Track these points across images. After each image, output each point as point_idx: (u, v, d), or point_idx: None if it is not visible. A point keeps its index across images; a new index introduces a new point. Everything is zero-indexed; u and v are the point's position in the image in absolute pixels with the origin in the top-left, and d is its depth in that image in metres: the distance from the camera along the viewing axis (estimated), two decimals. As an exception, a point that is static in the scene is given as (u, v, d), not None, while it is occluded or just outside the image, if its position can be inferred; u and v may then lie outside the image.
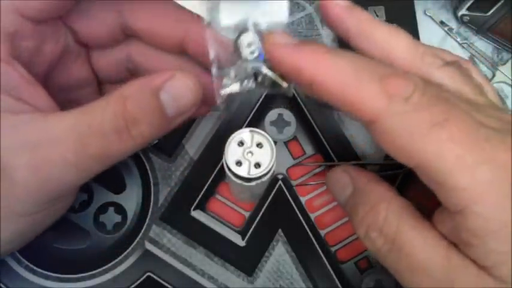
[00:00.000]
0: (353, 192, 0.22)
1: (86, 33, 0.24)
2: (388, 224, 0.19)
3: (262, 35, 0.21)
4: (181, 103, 0.21)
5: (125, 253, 0.29)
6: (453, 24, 0.36)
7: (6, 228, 0.20)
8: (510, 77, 0.34)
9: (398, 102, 0.17)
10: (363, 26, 0.21)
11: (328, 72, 0.18)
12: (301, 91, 0.22)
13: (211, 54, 0.21)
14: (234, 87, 0.21)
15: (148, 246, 0.29)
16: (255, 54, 0.20)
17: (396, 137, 0.17)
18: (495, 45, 0.35)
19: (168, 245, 0.29)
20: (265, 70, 0.21)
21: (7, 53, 0.20)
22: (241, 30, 0.21)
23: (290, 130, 0.32)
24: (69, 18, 0.23)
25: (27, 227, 0.21)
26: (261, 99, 0.31)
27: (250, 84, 0.21)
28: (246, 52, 0.21)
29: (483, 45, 0.35)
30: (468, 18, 0.35)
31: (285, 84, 0.21)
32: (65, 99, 0.24)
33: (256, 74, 0.21)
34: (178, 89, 0.21)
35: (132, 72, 0.26)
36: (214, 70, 0.21)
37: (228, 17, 0.21)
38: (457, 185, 0.16)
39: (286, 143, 0.32)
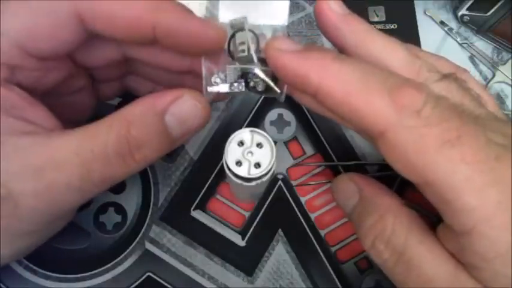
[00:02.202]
0: (359, 201, 0.22)
1: (88, 64, 0.23)
2: (396, 236, 0.19)
3: (259, 37, 0.20)
4: (187, 125, 0.20)
5: (125, 253, 0.29)
6: (453, 24, 0.36)
7: (7, 247, 0.20)
8: (510, 77, 0.34)
9: (408, 115, 0.16)
10: (359, 37, 0.20)
11: (335, 80, 0.17)
12: (299, 102, 0.21)
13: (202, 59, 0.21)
14: (223, 88, 0.21)
15: (148, 246, 0.29)
16: (245, 54, 0.20)
17: (405, 152, 0.17)
18: (495, 45, 0.35)
19: (168, 245, 0.29)
20: (258, 73, 0.20)
21: (5, 79, 0.19)
22: (237, 29, 0.20)
23: (290, 130, 0.32)
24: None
25: (27, 244, 0.21)
26: (261, 99, 0.31)
27: (240, 87, 0.21)
28: (238, 50, 0.20)
29: (483, 45, 0.35)
30: (468, 18, 0.35)
31: (278, 90, 0.20)
32: (58, 102, 0.23)
33: (247, 78, 0.20)
34: (185, 111, 0.20)
35: (132, 73, 0.26)
36: (204, 67, 0.21)
37: (226, 14, 0.20)
38: (465, 206, 0.16)
39: (286, 143, 0.32)
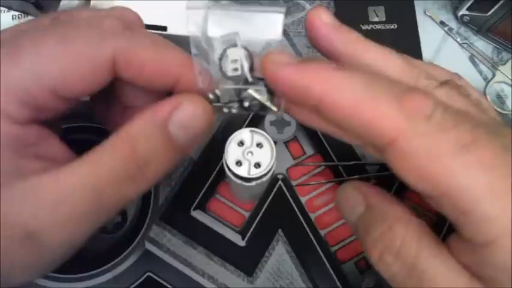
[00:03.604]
0: (365, 211, 0.20)
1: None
2: (407, 247, 0.18)
3: (252, 53, 0.19)
4: (192, 131, 0.20)
5: (125, 253, 0.29)
6: (453, 24, 0.36)
7: (30, 276, 0.20)
8: (510, 77, 0.34)
9: (420, 121, 0.16)
10: (352, 46, 0.19)
11: (338, 90, 0.17)
12: (297, 119, 0.20)
13: (196, 69, 0.20)
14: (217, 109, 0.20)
15: (148, 246, 0.29)
16: (238, 73, 0.19)
17: (418, 160, 0.16)
18: (495, 45, 0.35)
19: (168, 245, 0.29)
20: (252, 93, 0.19)
21: (26, 118, 0.19)
22: (229, 45, 0.19)
23: (290, 130, 0.32)
24: None
25: (40, 274, 0.21)
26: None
27: (234, 110, 0.20)
28: (230, 69, 0.19)
29: (483, 45, 0.35)
30: (468, 18, 0.35)
31: (274, 109, 0.19)
32: None
33: (242, 98, 0.19)
34: (187, 117, 0.19)
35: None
36: (199, 83, 0.20)
37: (216, 28, 0.19)
38: (486, 216, 0.15)
39: (286, 143, 0.32)
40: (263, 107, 0.19)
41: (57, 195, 0.18)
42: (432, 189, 0.16)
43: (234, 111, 0.20)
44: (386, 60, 0.19)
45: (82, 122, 0.30)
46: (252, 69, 0.19)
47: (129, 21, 0.22)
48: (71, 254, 0.22)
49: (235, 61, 0.19)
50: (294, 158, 0.31)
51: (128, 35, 0.20)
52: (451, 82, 0.19)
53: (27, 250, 0.18)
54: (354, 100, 0.16)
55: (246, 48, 0.19)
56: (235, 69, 0.19)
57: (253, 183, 0.22)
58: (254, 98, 0.19)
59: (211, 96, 0.20)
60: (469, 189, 0.15)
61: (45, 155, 0.20)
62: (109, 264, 0.29)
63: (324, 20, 0.19)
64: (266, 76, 0.18)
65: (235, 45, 0.19)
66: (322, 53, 0.20)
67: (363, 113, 0.16)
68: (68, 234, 0.19)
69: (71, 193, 0.18)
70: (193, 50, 0.19)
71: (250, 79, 0.19)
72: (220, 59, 0.19)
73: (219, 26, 0.19)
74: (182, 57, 0.21)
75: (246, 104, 0.19)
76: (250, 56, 0.19)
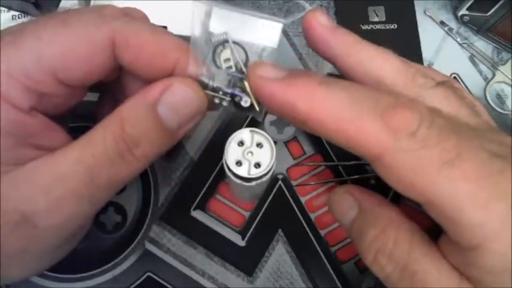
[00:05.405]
0: (359, 214, 0.21)
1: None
2: (399, 249, 0.18)
3: (245, 48, 0.19)
4: (182, 113, 0.20)
5: (125, 253, 0.29)
6: (453, 24, 0.36)
7: (29, 268, 0.21)
8: (510, 77, 0.34)
9: (404, 138, 0.16)
10: (349, 48, 0.20)
11: (324, 107, 0.17)
12: (291, 123, 0.21)
13: (191, 52, 0.20)
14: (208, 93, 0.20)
15: (148, 246, 0.29)
16: (232, 70, 0.19)
17: (404, 174, 0.16)
18: (495, 45, 0.35)
19: (168, 245, 0.29)
20: (246, 86, 0.19)
21: (29, 105, 0.19)
22: (218, 44, 0.19)
23: (290, 130, 0.32)
24: None
25: (43, 264, 0.22)
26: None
27: (225, 103, 0.20)
28: (223, 67, 0.19)
29: (483, 45, 0.35)
30: (468, 18, 0.35)
31: (257, 109, 0.20)
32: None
33: (234, 92, 0.20)
34: (177, 98, 0.20)
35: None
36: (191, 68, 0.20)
37: (217, 25, 0.19)
38: (472, 222, 0.15)
39: (286, 143, 0.32)
40: (251, 106, 0.20)
41: (51, 177, 0.19)
42: (418, 198, 0.16)
43: (224, 104, 0.20)
44: (383, 60, 0.19)
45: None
46: (247, 64, 0.19)
47: (132, 14, 0.22)
48: (68, 248, 0.22)
49: (227, 60, 0.19)
50: (294, 158, 0.31)
51: (127, 19, 0.21)
52: (448, 83, 0.20)
53: (22, 234, 0.19)
54: (338, 117, 0.17)
55: (239, 44, 0.19)
56: (230, 67, 0.19)
57: (253, 183, 0.22)
58: (245, 93, 0.19)
59: (203, 79, 0.20)
60: (452, 199, 0.16)
61: (49, 147, 0.20)
62: (109, 264, 0.29)
63: (320, 22, 0.20)
64: (253, 91, 0.18)
65: (224, 45, 0.19)
66: (319, 54, 0.21)
67: (348, 131, 0.17)
68: (62, 215, 0.19)
69: (64, 174, 0.19)
70: (192, 40, 0.20)
71: (245, 71, 0.19)
72: (213, 59, 0.20)
73: (221, 23, 0.19)
74: (180, 42, 0.21)
75: (237, 98, 0.20)
76: (245, 50, 0.19)
